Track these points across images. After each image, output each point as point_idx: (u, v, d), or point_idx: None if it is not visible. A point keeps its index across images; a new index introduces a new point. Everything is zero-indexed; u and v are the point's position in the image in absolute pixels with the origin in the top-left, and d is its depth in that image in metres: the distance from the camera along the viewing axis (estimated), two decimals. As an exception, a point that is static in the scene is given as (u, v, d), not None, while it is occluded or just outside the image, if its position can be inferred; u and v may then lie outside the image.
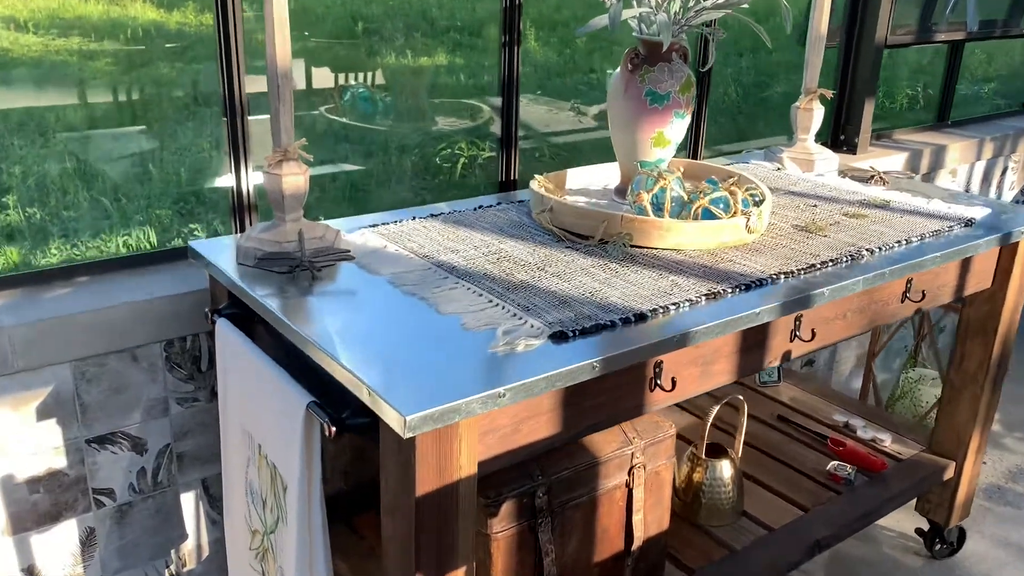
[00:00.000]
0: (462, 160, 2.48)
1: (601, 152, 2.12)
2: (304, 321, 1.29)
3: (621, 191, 1.85)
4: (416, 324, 1.30)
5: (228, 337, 1.45)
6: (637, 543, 1.57)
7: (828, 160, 2.29)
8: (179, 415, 1.68)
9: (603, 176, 1.99)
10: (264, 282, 1.43)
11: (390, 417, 1.07)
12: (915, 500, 2.27)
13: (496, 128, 2.23)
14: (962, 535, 2.29)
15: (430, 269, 1.50)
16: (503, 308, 1.35)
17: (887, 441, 2.22)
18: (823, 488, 2.02)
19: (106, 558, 1.68)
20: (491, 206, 1.87)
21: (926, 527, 2.29)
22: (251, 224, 1.81)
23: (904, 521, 2.39)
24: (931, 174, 3.04)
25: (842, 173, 2.26)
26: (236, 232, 1.79)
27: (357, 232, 1.68)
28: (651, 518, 1.59)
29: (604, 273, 1.49)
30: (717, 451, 1.91)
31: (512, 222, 1.76)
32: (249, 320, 1.49)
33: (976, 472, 2.19)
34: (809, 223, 1.80)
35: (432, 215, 1.80)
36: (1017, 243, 1.91)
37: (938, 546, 2.26)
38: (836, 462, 2.09)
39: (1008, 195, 3.53)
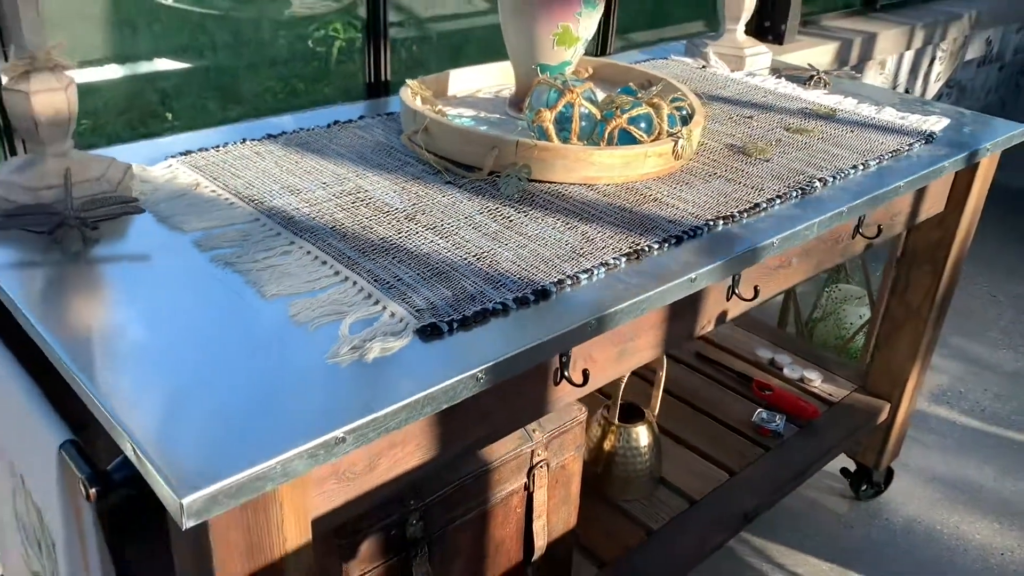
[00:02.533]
0: (338, 43, 2.04)
1: (498, 44, 1.72)
2: (55, 316, 0.89)
3: (516, 103, 1.46)
4: (226, 317, 0.91)
5: (-32, 327, 1.03)
6: (539, 552, 1.27)
7: (761, 56, 1.94)
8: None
9: (496, 78, 1.59)
10: (12, 246, 1.01)
11: (163, 494, 0.70)
12: (842, 439, 2.06)
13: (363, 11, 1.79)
14: (890, 475, 2.11)
15: (257, 220, 1.11)
16: (353, 284, 0.97)
17: (816, 381, 1.98)
18: (750, 443, 1.77)
19: None
20: (351, 121, 1.46)
21: (852, 467, 2.10)
22: None
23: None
24: (861, 65, 2.74)
25: (776, 72, 1.92)
26: None
27: (162, 163, 1.25)
28: (556, 520, 1.29)
29: (494, 223, 1.13)
30: (632, 413, 1.61)
31: (377, 145, 1.36)
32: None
33: (911, 411, 1.99)
34: (747, 142, 1.46)
35: (270, 135, 1.37)
36: (979, 162, 1.63)
37: (864, 488, 2.08)
38: (763, 411, 1.83)
39: (934, 87, 3.28)
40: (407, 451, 0.90)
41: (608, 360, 1.09)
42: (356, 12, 1.94)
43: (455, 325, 0.91)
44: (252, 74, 1.84)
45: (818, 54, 2.51)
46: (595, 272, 1.03)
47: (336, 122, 1.44)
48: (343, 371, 0.84)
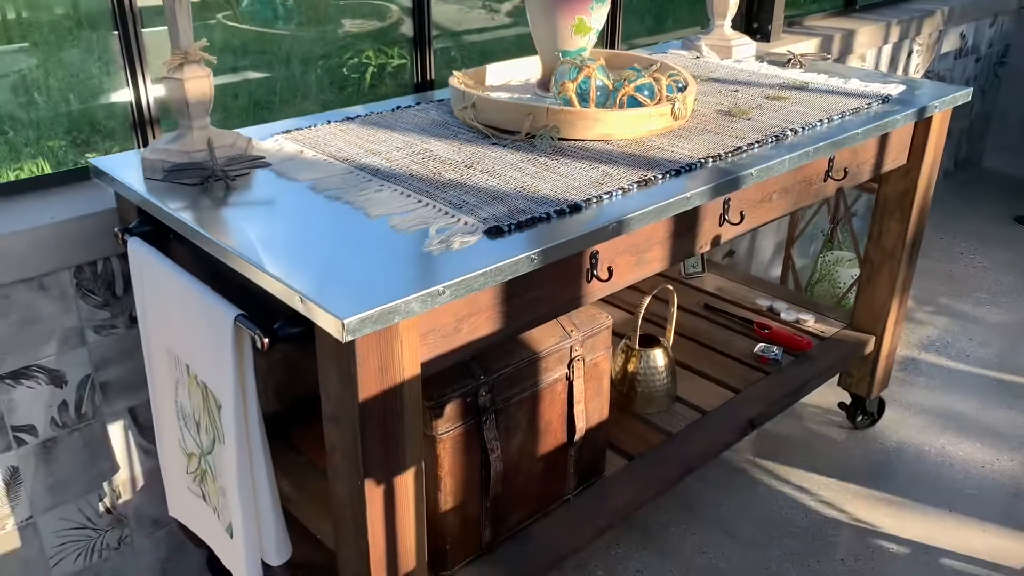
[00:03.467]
0: (371, 69, 2.38)
1: (516, 50, 2.05)
2: (223, 232, 1.23)
3: (544, 84, 1.80)
4: (343, 229, 1.25)
5: (142, 256, 1.36)
6: (579, 433, 1.58)
7: (746, 46, 2.27)
8: (97, 344, 1.60)
9: (524, 70, 1.93)
10: (175, 196, 1.35)
11: (326, 322, 1.02)
12: (838, 376, 2.35)
13: (405, 29, 2.14)
14: (882, 406, 2.40)
15: (352, 173, 1.44)
16: (434, 207, 1.30)
17: (810, 321, 2.28)
18: (752, 370, 2.08)
19: (35, 497, 1.61)
20: (409, 107, 1.80)
21: (848, 401, 2.39)
22: (155, 139, 1.69)
23: (827, 397, 2.49)
24: (842, 58, 3.07)
25: (760, 58, 2.25)
26: (139, 147, 1.68)
27: (270, 139, 1.59)
28: (592, 408, 1.60)
29: (534, 167, 1.46)
30: (650, 342, 1.93)
31: (433, 121, 1.70)
32: (163, 237, 1.41)
33: (895, 345, 2.28)
34: (732, 107, 1.79)
35: (348, 118, 1.72)
36: (931, 118, 1.94)
37: (860, 417, 2.37)
38: (763, 344, 2.14)
39: (914, 78, 3.59)
40: (481, 319, 1.22)
41: (628, 265, 1.41)
42: (390, 36, 2.28)
43: (513, 227, 1.23)
44: (292, 95, 2.18)
45: (802, 49, 2.84)
46: (614, 194, 1.36)
47: (398, 107, 1.79)
48: (436, 257, 1.16)
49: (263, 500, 1.31)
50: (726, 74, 2.08)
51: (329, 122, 1.69)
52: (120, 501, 1.74)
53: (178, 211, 1.29)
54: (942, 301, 3.08)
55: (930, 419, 2.44)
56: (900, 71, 3.47)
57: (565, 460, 1.60)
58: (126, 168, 1.44)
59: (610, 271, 1.35)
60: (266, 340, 1.12)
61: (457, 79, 1.74)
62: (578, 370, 1.53)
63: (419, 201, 1.33)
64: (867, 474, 2.22)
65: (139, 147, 1.68)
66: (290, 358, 1.82)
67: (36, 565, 1.66)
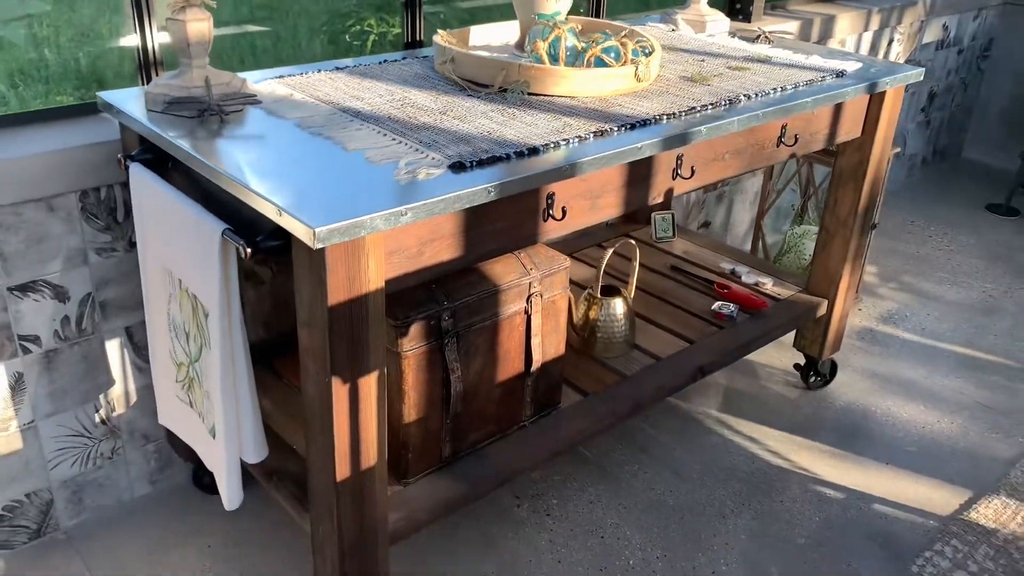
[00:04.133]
0: (372, 37, 2.51)
1: (504, 18, 2.18)
2: (216, 158, 1.37)
3: (520, 45, 1.93)
4: (323, 160, 1.39)
5: (142, 180, 1.51)
6: (536, 365, 1.73)
7: (719, 22, 2.41)
8: (98, 265, 1.75)
9: (505, 34, 2.06)
10: (174, 126, 1.49)
11: (300, 232, 1.17)
12: (793, 338, 2.50)
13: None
14: (834, 368, 2.55)
15: (336, 114, 1.58)
16: (406, 145, 1.45)
17: (768, 284, 2.43)
18: (708, 324, 2.22)
19: (37, 402, 1.76)
20: (396, 61, 1.94)
21: (802, 362, 2.54)
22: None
23: (783, 359, 2.64)
24: (821, 43, 3.19)
25: (732, 34, 2.38)
26: (142, 84, 1.82)
27: (263, 83, 1.73)
28: (548, 343, 1.75)
29: (502, 116, 1.60)
30: (611, 292, 2.07)
31: (416, 74, 1.84)
32: (161, 164, 1.56)
33: (846, 310, 2.43)
34: (695, 74, 1.92)
35: (337, 68, 1.86)
36: (884, 93, 2.08)
37: (812, 379, 2.52)
38: (720, 302, 2.29)
39: (894, 65, 3.72)
40: (443, 245, 1.37)
41: (582, 209, 1.56)
42: (390, 8, 2.41)
43: (474, 163, 1.38)
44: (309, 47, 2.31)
45: (780, 30, 2.97)
46: (572, 141, 1.50)
47: (385, 61, 1.93)
48: (403, 186, 1.30)
49: (243, 400, 1.46)
50: (696, 46, 2.21)
51: (320, 71, 1.83)
52: (114, 414, 1.89)
53: (176, 138, 1.43)
54: (905, 279, 3.23)
55: (880, 383, 2.59)
56: (880, 57, 3.60)
57: (522, 389, 1.75)
58: (131, 101, 1.58)
59: (564, 211, 1.50)
60: (248, 250, 1.26)
61: (441, 37, 1.88)
62: (536, 305, 1.68)
63: (393, 139, 1.47)
64: (814, 429, 2.37)
65: (142, 84, 1.82)
66: (276, 293, 1.97)
67: (35, 466, 1.81)
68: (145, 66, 1.81)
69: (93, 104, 1.78)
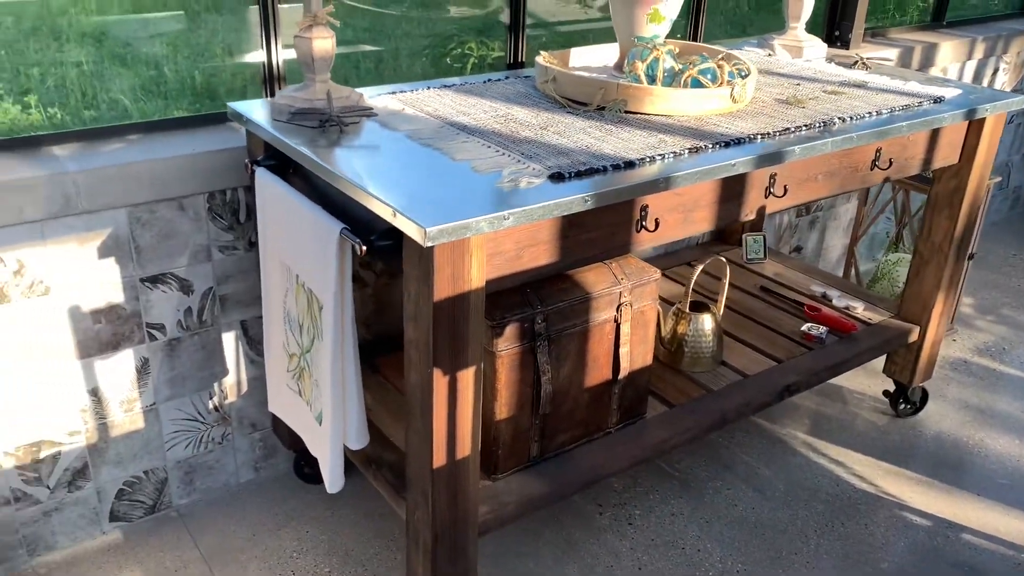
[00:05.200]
0: (472, 60, 2.63)
1: (601, 41, 2.26)
2: (336, 163, 1.49)
3: (619, 66, 2.01)
4: (432, 168, 1.49)
5: (266, 183, 1.64)
6: (623, 373, 1.79)
7: (816, 47, 2.44)
8: (220, 261, 1.89)
9: (604, 55, 2.15)
10: (297, 135, 1.61)
11: (412, 231, 1.27)
12: (884, 364, 2.49)
13: (504, 18, 2.38)
14: (925, 396, 2.52)
15: (444, 127, 1.69)
16: (508, 156, 1.54)
17: (859, 309, 2.42)
18: (797, 345, 2.24)
19: (158, 386, 1.91)
20: (499, 80, 2.04)
21: (892, 389, 2.52)
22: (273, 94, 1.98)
23: (872, 386, 2.62)
24: (922, 71, 3.17)
25: (829, 60, 2.41)
26: (266, 96, 1.97)
27: (377, 97, 1.86)
28: (636, 352, 1.81)
29: (600, 132, 1.67)
30: (700, 307, 2.12)
31: (519, 93, 1.93)
32: (283, 169, 1.69)
33: (939, 337, 2.40)
34: (790, 97, 1.97)
35: (445, 86, 1.97)
36: (984, 120, 2.08)
37: (902, 405, 2.49)
38: (810, 323, 2.30)
39: (998, 95, 3.65)
40: (540, 251, 1.45)
41: (675, 223, 1.62)
42: (487, 27, 2.52)
43: (573, 174, 1.46)
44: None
45: (880, 56, 2.97)
46: (666, 156, 1.57)
47: (489, 80, 2.03)
48: (506, 193, 1.39)
49: (350, 389, 1.57)
50: (793, 70, 2.25)
51: (428, 88, 1.94)
52: (226, 402, 2.03)
53: (299, 146, 1.56)
54: (1004, 312, 3.15)
55: (973, 415, 2.54)
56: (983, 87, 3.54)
57: (609, 396, 1.81)
58: (256, 111, 1.72)
59: (657, 223, 1.56)
60: (364, 248, 1.37)
61: (544, 58, 1.98)
62: (625, 315, 1.74)
63: (497, 151, 1.56)
64: (902, 456, 2.35)
65: (266, 96, 1.97)
66: (378, 296, 2.08)
67: (154, 446, 1.96)
68: (269, 80, 1.97)
69: (219, 114, 1.94)
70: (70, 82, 1.79)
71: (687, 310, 2.09)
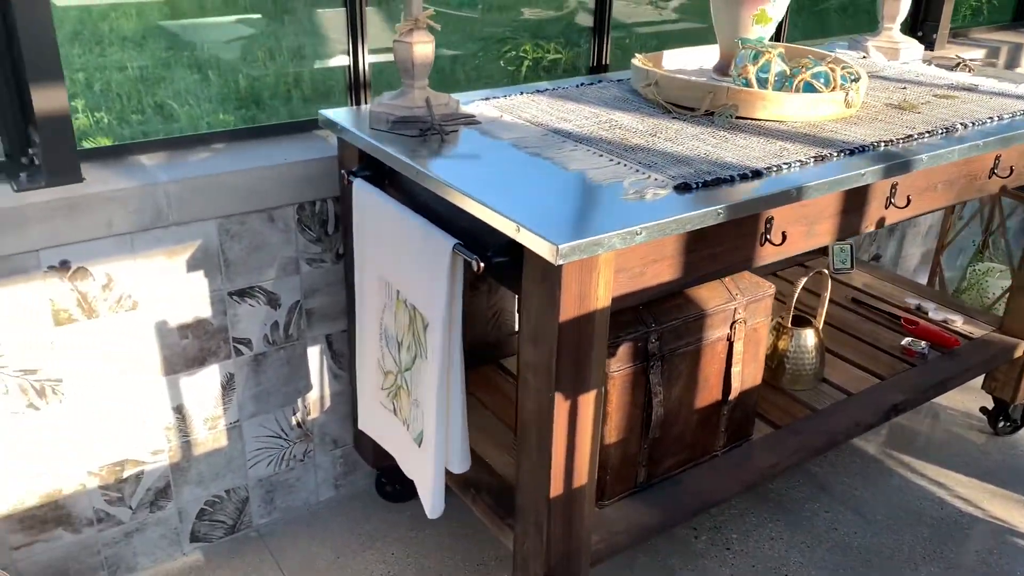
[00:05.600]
0: (527, 63, 2.55)
1: (677, 43, 2.17)
2: (444, 175, 1.41)
3: (720, 68, 1.92)
4: (545, 179, 1.41)
5: (366, 195, 1.57)
6: (734, 393, 1.70)
7: (912, 49, 2.33)
8: (308, 274, 1.82)
9: (697, 58, 2.05)
10: (396, 144, 1.54)
11: (541, 248, 1.19)
12: (981, 381, 2.37)
13: (579, 19, 2.31)
14: (1026, 414, 2.40)
15: (548, 135, 1.61)
16: (625, 166, 1.45)
17: (958, 322, 2.31)
18: (898, 361, 2.13)
19: (242, 403, 1.85)
20: (591, 84, 1.96)
21: (991, 406, 2.40)
22: (365, 102, 1.91)
23: (966, 401, 2.50)
24: (1009, 71, 3.05)
25: (927, 62, 2.30)
26: (351, 105, 1.90)
27: (471, 104, 1.78)
28: (747, 371, 1.72)
29: (714, 139, 1.59)
30: (801, 322, 2.02)
31: (616, 97, 1.85)
32: (379, 180, 1.62)
33: (1044, 352, 2.29)
34: (902, 102, 1.86)
35: (538, 91, 1.89)
36: (1104, 125, 1.96)
37: (1002, 423, 2.38)
38: (910, 338, 2.19)
39: (1082, 96, 3.51)
40: (664, 266, 1.36)
41: (799, 235, 1.53)
42: (544, 35, 2.44)
43: (700, 185, 1.37)
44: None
45: (968, 57, 2.85)
46: (792, 166, 1.47)
47: (581, 84, 1.95)
48: (630, 205, 1.31)
49: (455, 411, 1.49)
50: (893, 73, 2.14)
51: (521, 93, 1.86)
52: (309, 418, 1.96)
53: (404, 156, 1.48)
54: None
55: (1077, 433, 2.42)
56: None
57: (718, 417, 1.72)
58: (352, 120, 1.65)
59: (784, 236, 1.47)
60: (481, 264, 1.29)
61: (640, 60, 1.89)
62: (739, 332, 1.65)
63: (611, 160, 1.48)
64: (1006, 477, 2.24)
65: (352, 106, 1.90)
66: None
67: (236, 464, 1.90)
68: (355, 87, 1.90)
69: (303, 122, 1.87)
70: (127, 89, 1.74)
71: (789, 325, 1.99)
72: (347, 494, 2.10)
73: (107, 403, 1.67)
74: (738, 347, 1.66)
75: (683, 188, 1.36)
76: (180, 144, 1.75)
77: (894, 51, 2.31)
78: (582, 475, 1.39)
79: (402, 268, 1.50)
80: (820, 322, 2.05)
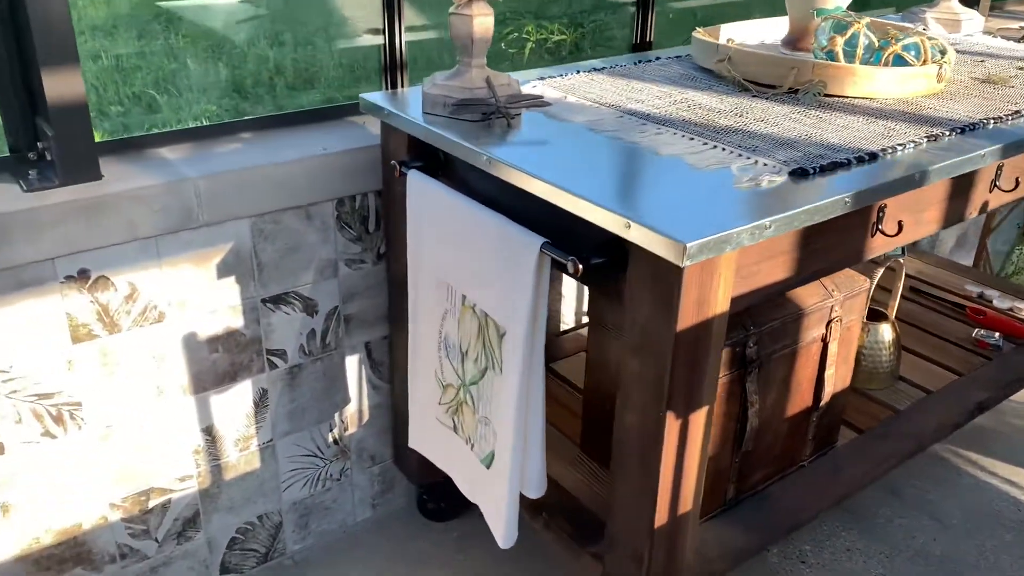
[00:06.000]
0: (530, 45, 2.38)
1: (720, 17, 2.01)
2: (524, 163, 1.24)
3: (790, 42, 1.76)
4: (638, 166, 1.24)
5: (423, 188, 1.39)
6: (826, 398, 1.55)
7: (975, 20, 2.18)
8: (347, 276, 1.65)
9: (757, 32, 1.89)
10: (455, 130, 1.36)
11: (662, 247, 1.02)
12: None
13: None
14: (1093, 405, 2.28)
15: (623, 116, 1.44)
16: (724, 150, 1.29)
17: (1026, 310, 2.19)
18: (971, 354, 2.00)
19: (276, 420, 1.67)
20: (650, 61, 1.79)
21: (1056, 397, 2.28)
22: (401, 85, 1.73)
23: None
24: (1047, 45, 2.92)
25: (989, 33, 2.16)
26: (385, 89, 1.72)
27: (527, 85, 1.60)
28: (838, 375, 1.57)
29: (808, 119, 1.43)
30: (877, 316, 1.88)
31: (681, 75, 1.68)
32: (432, 172, 1.44)
33: (1116, 340, 2.16)
34: (989, 76, 1.72)
35: (595, 69, 1.72)
36: None
37: (1068, 415, 2.26)
38: (981, 330, 2.06)
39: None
40: (777, 264, 1.20)
41: (911, 224, 1.37)
42: (546, 15, 2.27)
43: (816, 170, 1.21)
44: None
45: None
46: (907, 147, 1.32)
47: (639, 61, 1.78)
48: (744, 195, 1.15)
49: (534, 431, 1.32)
50: (962, 45, 2.00)
51: (579, 72, 1.69)
52: (346, 433, 1.79)
53: (471, 143, 1.31)
54: None
55: None
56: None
57: (807, 425, 1.57)
58: (398, 104, 1.47)
59: (900, 226, 1.31)
60: (580, 266, 1.12)
61: (702, 34, 1.73)
62: (834, 332, 1.50)
63: (704, 143, 1.31)
64: (1082, 473, 2.12)
65: (386, 89, 1.72)
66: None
67: (269, 487, 1.72)
68: (391, 68, 1.71)
69: (337, 108, 1.69)
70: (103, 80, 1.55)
71: (864, 320, 1.84)
72: (385, 513, 1.93)
73: (130, 428, 1.49)
74: (832, 348, 1.51)
75: (799, 174, 1.20)
76: (203, 135, 1.57)
77: (955, 23, 2.16)
78: (687, 500, 1.23)
79: (471, 270, 1.33)
80: (893, 315, 1.91)
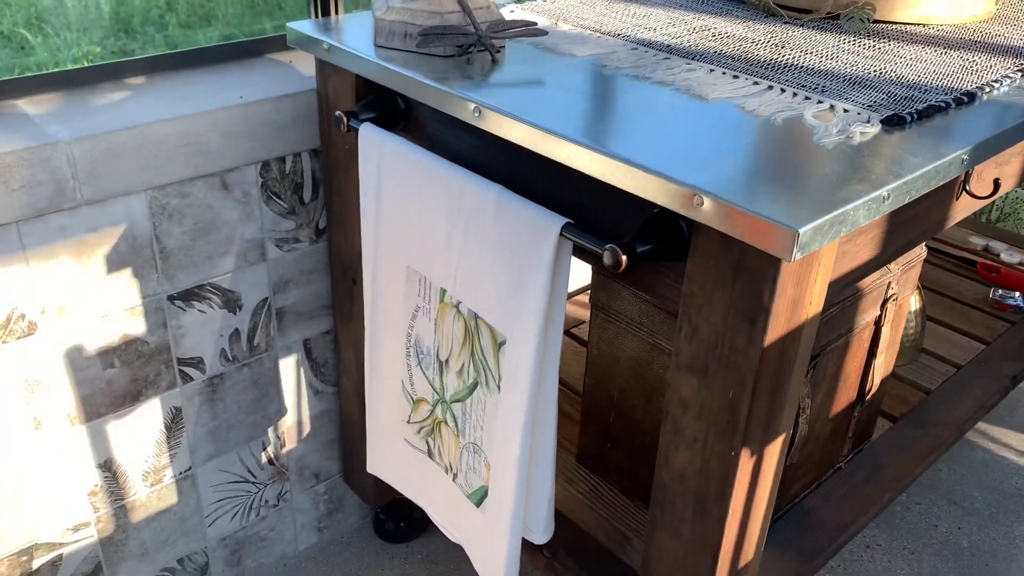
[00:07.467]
0: None
1: None
2: (533, 116, 0.91)
3: (813, -41, 1.46)
4: (680, 115, 0.93)
5: (381, 147, 1.05)
6: (873, 390, 1.30)
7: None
8: (278, 261, 1.29)
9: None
10: (422, 70, 1.02)
11: (757, 234, 0.72)
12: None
13: None
14: (1098, 362, 2.11)
15: (637, 49, 1.12)
16: (784, 92, 0.99)
17: (1035, 263, 1.98)
18: (992, 318, 1.78)
19: (195, 444, 1.32)
20: (643, -17, 1.46)
21: (1060, 356, 2.10)
22: (335, 12, 1.36)
23: None
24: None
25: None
26: (314, 17, 1.35)
27: (505, 8, 1.26)
28: (887, 360, 1.31)
29: (866, 51, 1.14)
30: (898, 281, 1.63)
31: (687, -1, 1.37)
32: (389, 125, 1.10)
33: None
34: (1039, -3, 1.46)
35: (581, -8, 1.38)
36: None
37: (1073, 375, 2.08)
38: (999, 289, 1.84)
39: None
40: (862, 243, 0.92)
41: (990, 183, 1.10)
42: None
43: (914, 116, 0.92)
44: None
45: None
46: (1002, 83, 1.04)
47: (631, -18, 1.45)
48: (832, 154, 0.85)
49: (543, 465, 1.02)
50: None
51: (561, -6, 1.36)
52: (283, 450, 1.45)
53: (454, 88, 0.97)
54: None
55: None
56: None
57: (848, 423, 1.32)
58: (342, 35, 1.12)
59: (997, 184, 1.04)
60: (624, 257, 0.81)
61: (707, -51, 1.41)
62: (889, 313, 1.23)
63: (755, 83, 1.01)
64: (1096, 440, 1.95)
65: (313, 17, 1.35)
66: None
67: (191, 524, 1.38)
68: (321, -10, 1.34)
69: (255, 42, 1.32)
70: None
71: (888, 287, 1.59)
72: (333, 537, 1.61)
73: (2, 471, 1.13)
74: (885, 331, 1.25)
75: (894, 122, 0.91)
76: (76, 80, 1.18)
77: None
78: (751, 550, 0.96)
79: (455, 257, 1.00)
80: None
